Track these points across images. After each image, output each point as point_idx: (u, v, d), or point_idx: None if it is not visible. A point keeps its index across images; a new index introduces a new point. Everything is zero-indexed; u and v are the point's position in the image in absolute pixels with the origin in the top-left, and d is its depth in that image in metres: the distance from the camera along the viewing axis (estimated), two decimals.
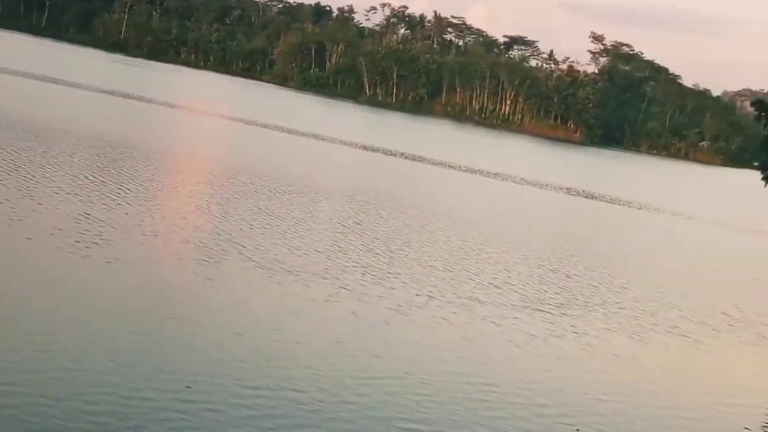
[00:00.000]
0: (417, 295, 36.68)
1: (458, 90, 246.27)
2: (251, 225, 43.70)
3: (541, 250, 55.75)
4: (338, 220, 51.29)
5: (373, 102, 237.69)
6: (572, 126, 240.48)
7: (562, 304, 40.37)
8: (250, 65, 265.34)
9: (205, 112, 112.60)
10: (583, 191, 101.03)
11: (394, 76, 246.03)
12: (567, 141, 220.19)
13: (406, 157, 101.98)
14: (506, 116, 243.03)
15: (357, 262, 40.17)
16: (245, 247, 38.48)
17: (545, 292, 42.41)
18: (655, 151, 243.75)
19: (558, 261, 52.06)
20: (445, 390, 26.55)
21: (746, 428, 23.49)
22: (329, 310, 32.07)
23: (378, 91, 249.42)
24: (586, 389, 29.74)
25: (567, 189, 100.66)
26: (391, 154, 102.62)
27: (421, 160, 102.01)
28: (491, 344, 32.50)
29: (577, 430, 25.47)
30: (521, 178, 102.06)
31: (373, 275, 38.31)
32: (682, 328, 40.41)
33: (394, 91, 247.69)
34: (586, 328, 37.15)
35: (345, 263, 39.53)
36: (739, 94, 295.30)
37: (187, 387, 22.29)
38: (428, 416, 24.16)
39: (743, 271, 63.53)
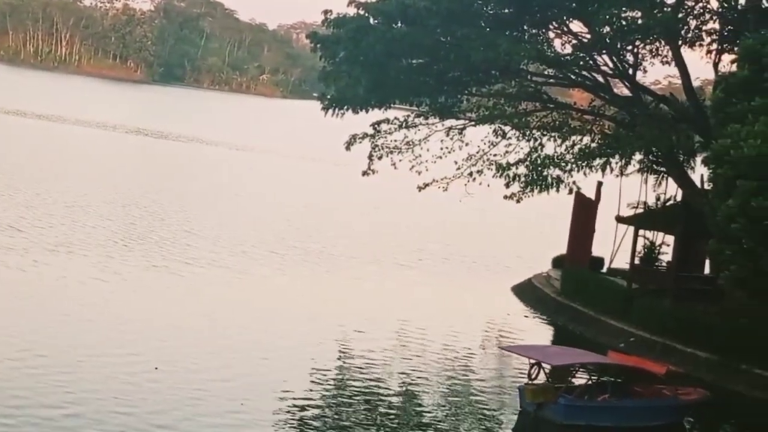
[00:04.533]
0: None
1: (10, 33, 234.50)
2: None
3: (88, 191, 54.26)
4: None
5: None
6: (132, 65, 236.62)
7: (103, 245, 39.71)
8: None
9: None
10: (143, 130, 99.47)
11: None
12: (128, 80, 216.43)
13: None
14: (63, 58, 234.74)
15: None
16: None
17: (88, 234, 41.54)
18: (217, 87, 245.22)
19: (104, 201, 51.02)
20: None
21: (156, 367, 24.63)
22: None
23: None
24: (142, 328, 29.47)
25: (116, 127, 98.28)
26: None
27: None
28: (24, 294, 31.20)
29: (156, 368, 25.49)
30: (77, 119, 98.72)
31: None
32: (226, 259, 40.99)
33: None
34: (128, 267, 36.85)
35: None
36: (294, 27, 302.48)
37: None
38: None
39: (293, 200, 64.73)
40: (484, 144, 41.49)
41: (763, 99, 26.84)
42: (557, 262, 44.92)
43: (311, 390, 25.98)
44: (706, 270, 39.89)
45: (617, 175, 39.85)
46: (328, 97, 39.66)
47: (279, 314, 33.80)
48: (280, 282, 38.83)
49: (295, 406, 24.39)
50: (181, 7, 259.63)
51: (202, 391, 24.33)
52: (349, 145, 40.80)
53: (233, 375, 26.13)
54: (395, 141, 41.34)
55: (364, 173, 41.56)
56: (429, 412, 25.70)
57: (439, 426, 24.66)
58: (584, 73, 39.99)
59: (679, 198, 39.26)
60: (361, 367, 28.82)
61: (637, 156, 39.14)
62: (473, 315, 38.46)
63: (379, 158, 41.34)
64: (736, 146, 26.14)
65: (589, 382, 26.60)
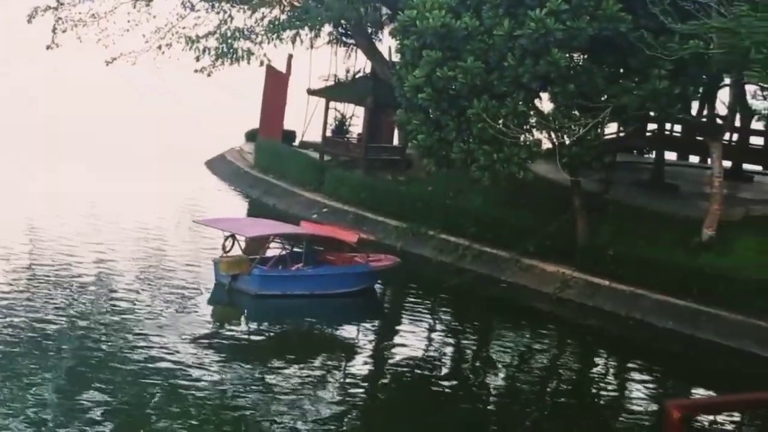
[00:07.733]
0: None
1: None
2: None
3: None
4: None
5: None
6: None
7: None
8: None
9: None
10: None
11: None
12: None
13: None
14: None
15: None
16: None
17: None
18: None
19: None
20: None
21: None
22: None
23: None
24: None
25: None
26: None
27: None
28: None
29: None
30: None
31: None
32: None
33: None
34: None
35: None
36: None
37: None
38: None
39: None
40: (173, 16, 40.43)
41: None
42: (250, 136, 44.92)
43: (3, 280, 24.85)
44: (395, 141, 41.07)
45: (308, 48, 39.96)
46: None
47: None
48: None
49: None
50: None
51: None
52: (30, 18, 38.79)
53: None
54: (80, 13, 39.65)
55: (48, 47, 39.71)
56: (124, 290, 25.23)
57: (134, 302, 24.26)
58: None
59: (368, 70, 39.92)
60: (56, 254, 27.76)
61: (327, 28, 39.33)
62: (166, 192, 37.96)
63: (64, 31, 39.56)
64: (421, 17, 26.67)
65: (283, 252, 26.95)
